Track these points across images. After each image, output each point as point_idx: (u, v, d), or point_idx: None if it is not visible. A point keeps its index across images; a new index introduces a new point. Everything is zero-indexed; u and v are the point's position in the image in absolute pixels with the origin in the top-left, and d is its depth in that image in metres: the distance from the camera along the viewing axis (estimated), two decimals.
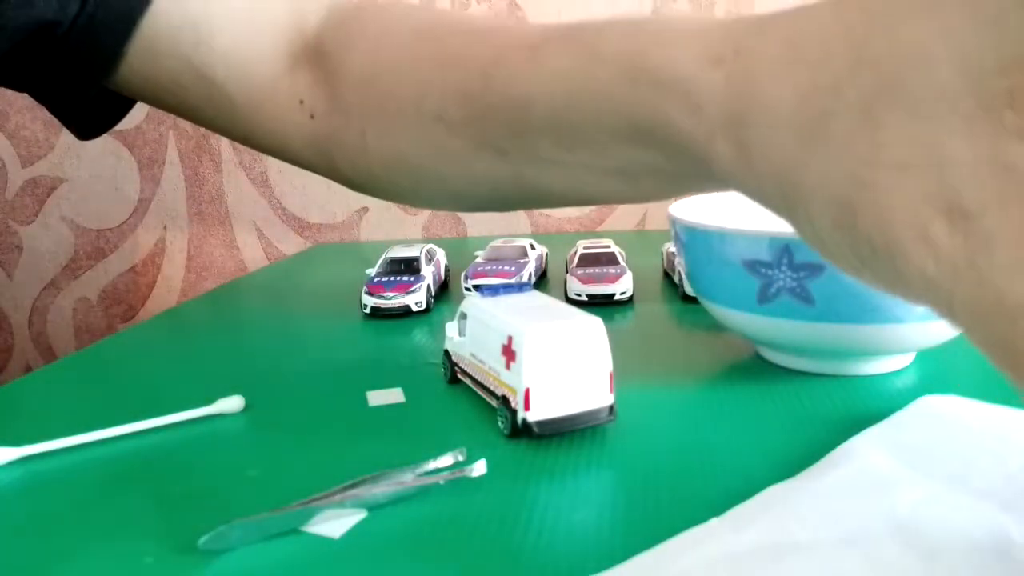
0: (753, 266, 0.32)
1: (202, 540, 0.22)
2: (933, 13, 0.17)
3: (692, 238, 0.35)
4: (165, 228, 0.87)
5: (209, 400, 0.33)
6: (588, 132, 0.26)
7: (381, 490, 0.25)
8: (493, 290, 0.33)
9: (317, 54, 0.37)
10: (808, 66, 0.19)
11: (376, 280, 0.50)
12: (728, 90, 0.21)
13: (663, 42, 0.23)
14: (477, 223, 0.84)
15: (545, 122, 0.27)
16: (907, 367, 0.35)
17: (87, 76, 0.39)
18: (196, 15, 0.37)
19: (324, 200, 0.85)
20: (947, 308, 0.16)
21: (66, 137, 0.85)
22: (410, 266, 0.52)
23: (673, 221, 0.37)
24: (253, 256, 0.87)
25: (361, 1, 0.39)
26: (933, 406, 0.29)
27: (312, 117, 0.37)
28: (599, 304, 0.48)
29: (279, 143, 0.39)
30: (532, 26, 0.29)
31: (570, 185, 0.29)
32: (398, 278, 0.50)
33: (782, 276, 0.31)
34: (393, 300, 0.48)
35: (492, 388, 0.31)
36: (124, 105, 0.43)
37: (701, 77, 0.21)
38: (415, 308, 0.48)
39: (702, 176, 0.24)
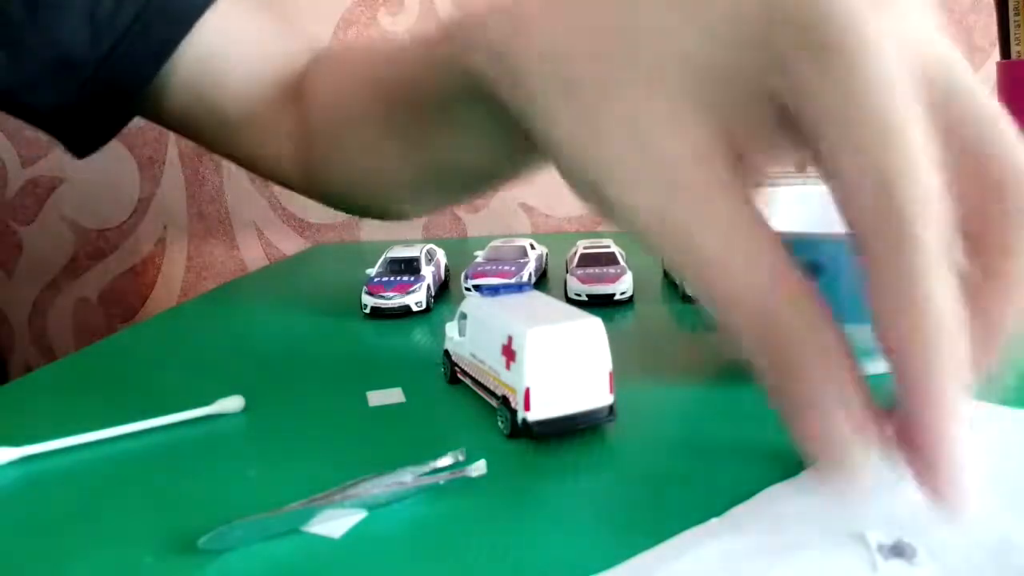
0: None
1: (202, 540, 0.22)
2: (665, 10, 0.21)
3: None
4: (165, 228, 0.87)
5: (209, 400, 0.33)
6: (450, 98, 0.30)
7: (381, 490, 0.25)
8: (493, 290, 0.33)
9: (299, 90, 0.41)
10: (558, 26, 0.22)
11: (376, 280, 0.50)
12: (502, 30, 0.24)
13: (486, 7, 0.26)
14: (477, 223, 0.85)
15: (425, 97, 0.31)
16: None
17: (102, 110, 0.42)
18: (214, 57, 0.41)
19: None
20: (647, 238, 0.21)
21: None
22: (410, 266, 0.52)
23: None
24: (253, 256, 0.87)
25: (339, 44, 0.44)
26: None
27: (297, 146, 0.41)
28: (599, 304, 0.48)
29: (276, 171, 0.44)
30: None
31: (463, 154, 0.33)
32: (398, 278, 0.50)
33: None
34: (393, 300, 0.48)
35: (492, 388, 0.31)
36: (120, 122, 0.46)
37: (488, 25, 0.25)
38: (415, 308, 0.48)
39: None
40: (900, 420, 0.19)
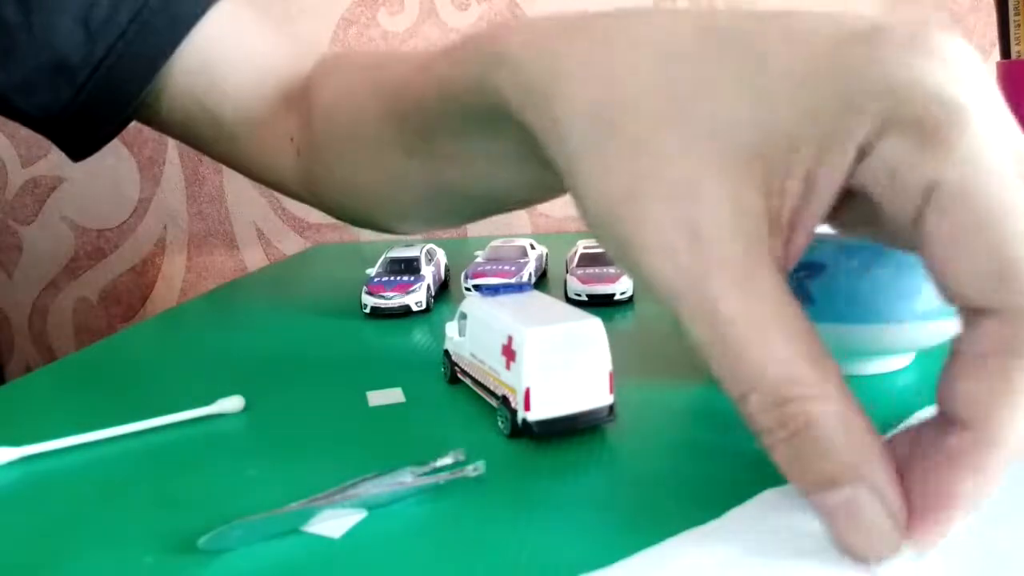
0: None
1: (202, 540, 0.22)
2: (716, 70, 0.20)
3: None
4: (165, 228, 0.87)
5: (209, 400, 0.33)
6: (466, 119, 0.29)
7: (381, 490, 0.25)
8: (493, 290, 0.33)
9: (303, 97, 0.40)
10: (605, 76, 0.22)
11: (376, 280, 0.50)
12: (540, 66, 0.23)
13: (509, 31, 0.25)
14: (477, 223, 0.84)
15: (437, 118, 0.30)
16: (907, 367, 0.35)
17: (98, 114, 0.42)
18: (212, 62, 0.41)
19: None
20: (674, 307, 0.20)
21: None
22: (410, 266, 0.52)
23: None
24: (253, 256, 0.87)
25: (344, 50, 0.43)
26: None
27: (299, 153, 0.40)
28: (599, 304, 0.48)
29: (275, 177, 0.43)
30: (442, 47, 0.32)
31: (475, 179, 0.33)
32: (398, 278, 0.50)
33: None
34: (393, 300, 0.48)
35: (492, 388, 0.31)
36: (117, 127, 0.45)
37: (520, 54, 0.24)
38: (415, 308, 0.48)
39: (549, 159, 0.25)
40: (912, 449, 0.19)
